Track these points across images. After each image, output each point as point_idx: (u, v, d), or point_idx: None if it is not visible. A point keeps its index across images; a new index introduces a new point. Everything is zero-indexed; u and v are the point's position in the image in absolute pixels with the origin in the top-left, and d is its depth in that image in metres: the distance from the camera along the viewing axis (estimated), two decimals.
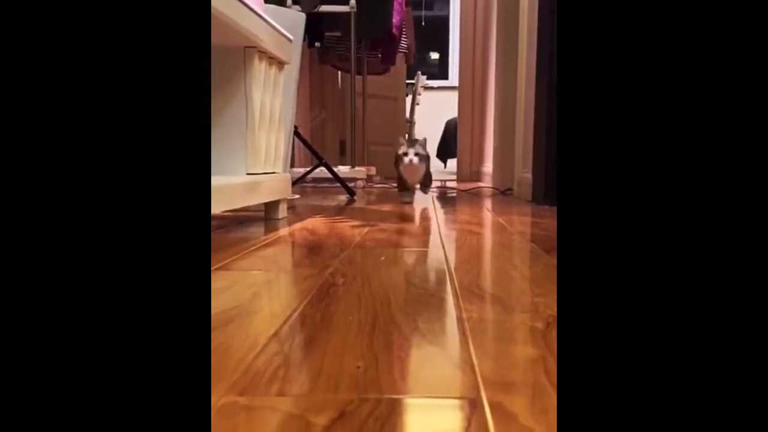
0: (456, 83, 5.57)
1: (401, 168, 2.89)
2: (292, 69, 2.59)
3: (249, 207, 1.69)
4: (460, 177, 5.19)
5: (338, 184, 3.47)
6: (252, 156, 1.77)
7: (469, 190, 3.79)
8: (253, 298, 0.96)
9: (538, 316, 0.83)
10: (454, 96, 5.52)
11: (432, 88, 6.44)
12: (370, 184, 4.45)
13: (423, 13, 6.65)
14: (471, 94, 5.21)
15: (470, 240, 1.68)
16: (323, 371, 0.61)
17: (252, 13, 1.60)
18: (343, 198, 3.21)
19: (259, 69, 1.81)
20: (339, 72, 5.16)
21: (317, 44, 4.50)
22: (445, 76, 6.95)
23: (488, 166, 4.42)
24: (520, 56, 3.26)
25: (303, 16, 2.76)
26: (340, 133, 5.28)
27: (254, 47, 1.74)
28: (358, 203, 2.91)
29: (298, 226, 1.85)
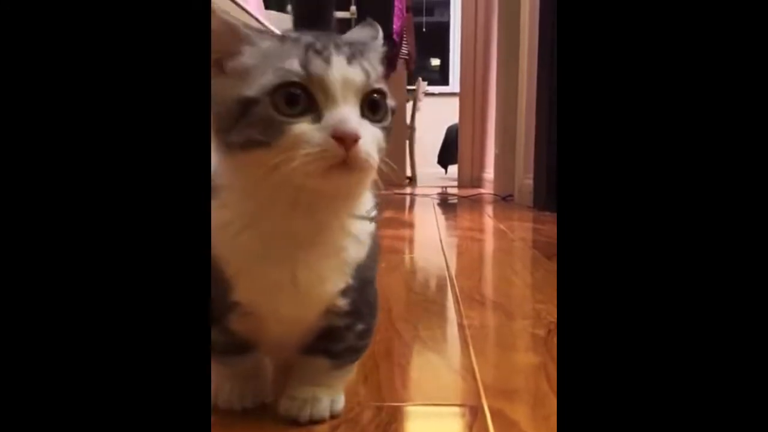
0: (457, 89, 5.57)
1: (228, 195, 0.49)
2: None
3: None
4: (461, 183, 5.18)
5: None
6: None
7: (470, 196, 3.79)
8: None
9: (540, 322, 0.83)
10: (455, 102, 5.51)
11: (433, 94, 6.44)
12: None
13: (424, 18, 6.65)
14: (472, 100, 5.21)
15: (471, 246, 1.68)
16: None
17: (252, 20, 1.60)
18: None
19: None
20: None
21: None
22: (446, 82, 6.95)
23: (489, 173, 4.42)
24: (521, 62, 3.26)
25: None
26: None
27: None
28: None
29: None
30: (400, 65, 4.98)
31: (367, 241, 0.50)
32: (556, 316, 0.85)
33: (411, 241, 1.78)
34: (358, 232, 0.50)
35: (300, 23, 0.57)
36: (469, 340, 0.76)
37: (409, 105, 5.67)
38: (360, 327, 0.52)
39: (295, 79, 0.43)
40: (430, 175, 6.11)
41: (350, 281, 0.49)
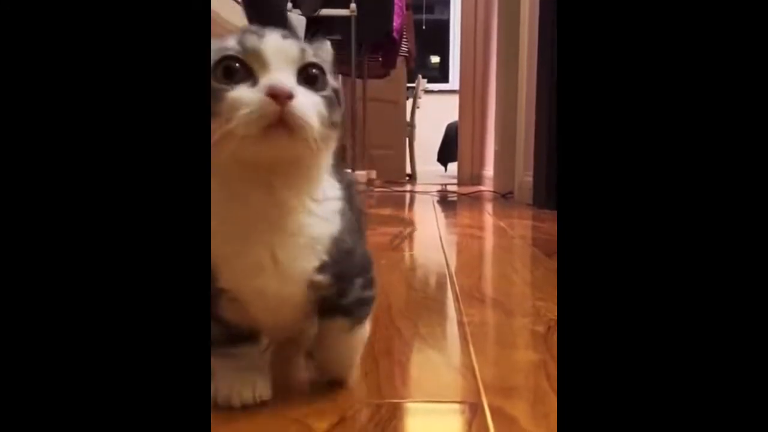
0: (457, 87, 5.56)
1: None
2: None
3: None
4: (461, 181, 5.17)
5: None
6: None
7: (470, 193, 3.79)
8: None
9: (539, 320, 0.83)
10: (454, 99, 5.51)
11: (432, 91, 6.44)
12: (370, 187, 4.45)
13: (423, 16, 6.65)
14: (472, 98, 5.20)
15: (471, 244, 1.68)
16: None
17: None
18: None
19: None
20: (339, 76, 5.15)
21: None
22: (445, 80, 6.94)
23: (489, 170, 4.41)
24: (520, 60, 3.26)
25: (303, 19, 2.76)
26: (340, 137, 5.25)
27: None
28: None
29: None
30: (400, 63, 4.98)
31: (335, 219, 0.53)
32: (555, 313, 0.85)
33: (411, 238, 1.78)
34: (323, 213, 0.52)
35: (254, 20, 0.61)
36: (469, 337, 0.76)
37: (409, 102, 5.67)
38: (359, 281, 0.55)
39: (231, 53, 0.46)
40: (430, 172, 6.11)
41: (325, 258, 0.51)
